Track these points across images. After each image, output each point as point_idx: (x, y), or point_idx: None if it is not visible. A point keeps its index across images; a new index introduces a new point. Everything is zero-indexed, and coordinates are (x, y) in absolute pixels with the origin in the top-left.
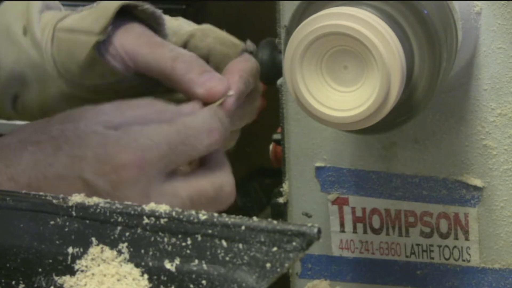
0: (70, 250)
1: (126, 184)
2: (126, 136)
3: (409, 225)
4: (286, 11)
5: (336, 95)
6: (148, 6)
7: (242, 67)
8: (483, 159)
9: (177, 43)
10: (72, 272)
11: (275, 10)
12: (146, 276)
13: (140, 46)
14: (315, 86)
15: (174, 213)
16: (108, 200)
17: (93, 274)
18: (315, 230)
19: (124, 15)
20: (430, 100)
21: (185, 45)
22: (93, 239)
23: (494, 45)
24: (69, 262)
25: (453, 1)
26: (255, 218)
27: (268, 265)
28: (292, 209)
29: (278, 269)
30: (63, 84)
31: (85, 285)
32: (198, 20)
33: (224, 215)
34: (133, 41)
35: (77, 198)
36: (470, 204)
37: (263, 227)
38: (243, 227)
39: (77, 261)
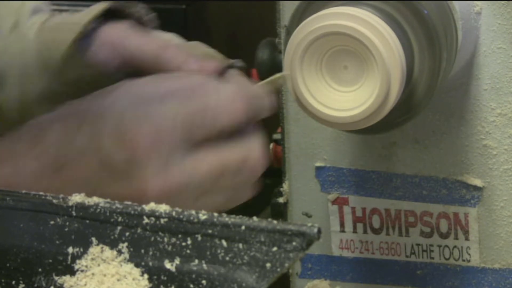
0: (70, 250)
1: (143, 153)
2: (144, 111)
3: (409, 225)
4: (286, 11)
5: (336, 95)
6: (137, 9)
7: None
8: (483, 159)
9: None
10: (72, 272)
11: (275, 10)
12: (146, 276)
13: (127, 36)
14: (315, 86)
15: (174, 213)
16: (108, 200)
17: (93, 274)
18: (315, 230)
19: (114, 18)
20: (430, 100)
21: None
22: (93, 239)
23: (494, 45)
24: (69, 262)
25: (453, 1)
26: (255, 218)
27: (268, 265)
28: (292, 209)
29: (278, 269)
30: (45, 81)
31: (85, 285)
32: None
33: (224, 215)
34: (120, 32)
35: (77, 198)
36: (470, 204)
37: (263, 227)
38: (243, 227)
39: (77, 261)
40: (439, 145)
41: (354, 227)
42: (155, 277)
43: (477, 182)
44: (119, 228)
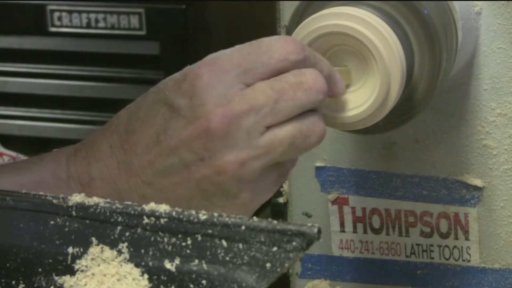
0: (70, 250)
1: (202, 90)
2: (203, 60)
3: (409, 225)
4: (286, 11)
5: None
6: None
7: None
8: (483, 159)
9: None
10: (72, 272)
11: (275, 10)
12: (146, 276)
13: None
14: None
15: (174, 213)
16: (108, 200)
17: (93, 274)
18: (315, 230)
19: None
20: (430, 100)
21: None
22: (93, 239)
23: (494, 45)
24: (69, 262)
25: (453, 1)
26: (255, 218)
27: (268, 265)
28: (292, 209)
29: (278, 269)
30: None
31: (85, 285)
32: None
33: (224, 215)
34: None
35: (77, 198)
36: (470, 204)
37: (263, 227)
38: (243, 227)
39: (77, 261)
40: (439, 145)
41: (354, 227)
42: (155, 277)
43: (477, 182)
44: (119, 228)
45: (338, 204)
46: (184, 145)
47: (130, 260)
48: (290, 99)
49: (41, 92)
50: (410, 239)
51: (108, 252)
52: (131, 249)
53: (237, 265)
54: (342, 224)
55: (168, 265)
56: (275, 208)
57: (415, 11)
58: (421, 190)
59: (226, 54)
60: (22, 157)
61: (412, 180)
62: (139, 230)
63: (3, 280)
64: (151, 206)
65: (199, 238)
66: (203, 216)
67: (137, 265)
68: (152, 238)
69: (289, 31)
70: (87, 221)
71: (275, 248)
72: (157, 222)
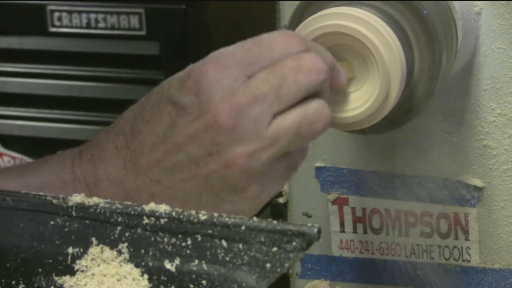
0: (70, 250)
1: (207, 86)
2: (206, 57)
3: (409, 225)
4: (286, 11)
5: (336, 96)
6: None
7: None
8: (483, 159)
9: None
10: (72, 272)
11: (275, 10)
12: (146, 276)
13: None
14: None
15: (174, 213)
16: (108, 200)
17: (93, 274)
18: (315, 230)
19: None
20: (430, 100)
21: None
22: (93, 239)
23: (494, 45)
24: (69, 262)
25: (453, 1)
26: (255, 218)
27: (268, 265)
28: (292, 209)
29: (278, 269)
30: None
31: (85, 285)
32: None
33: (224, 215)
34: None
35: (77, 198)
36: (470, 204)
37: (263, 227)
38: (243, 227)
39: (77, 261)
40: (439, 145)
41: (354, 227)
42: (155, 277)
43: (477, 182)
44: (119, 228)
45: (338, 204)
46: (192, 141)
47: (130, 260)
48: (292, 83)
49: (41, 92)
50: (410, 239)
51: (108, 252)
52: (131, 249)
53: (237, 265)
54: (342, 224)
55: (168, 265)
56: (275, 208)
57: (415, 11)
58: (421, 190)
59: (228, 51)
60: (23, 157)
61: (412, 180)
62: (139, 230)
63: (3, 280)
64: (151, 206)
65: (199, 238)
66: (203, 216)
67: (137, 265)
68: (152, 238)
69: None
70: (87, 221)
71: (275, 248)
72: (157, 222)
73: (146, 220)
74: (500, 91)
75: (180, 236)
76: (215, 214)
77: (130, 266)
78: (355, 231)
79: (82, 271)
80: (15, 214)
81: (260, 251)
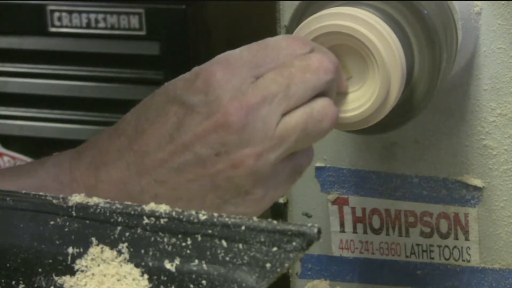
0: (70, 250)
1: (217, 85)
2: (214, 59)
3: (409, 225)
4: (286, 11)
5: (336, 96)
6: None
7: None
8: (483, 159)
9: None
10: (72, 272)
11: (275, 10)
12: (146, 276)
13: None
14: None
15: (174, 213)
16: (108, 200)
17: (93, 274)
18: (315, 230)
19: None
20: (430, 100)
21: None
22: (93, 239)
23: (494, 45)
24: (69, 262)
25: (453, 1)
26: (255, 218)
27: (268, 265)
28: (292, 209)
29: (278, 269)
30: None
31: (85, 285)
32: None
33: (224, 215)
34: None
35: (77, 198)
36: (470, 204)
37: (263, 227)
38: (243, 227)
39: (77, 261)
40: (439, 145)
41: (354, 227)
42: (155, 277)
43: (477, 182)
44: (119, 228)
45: (338, 204)
46: (199, 140)
47: (130, 260)
48: (300, 82)
49: (41, 92)
50: (410, 239)
51: (108, 252)
52: (131, 249)
53: (237, 265)
54: (342, 224)
55: (168, 265)
56: (275, 208)
57: (415, 11)
58: (421, 190)
59: (235, 53)
60: (23, 157)
61: (412, 180)
62: (139, 230)
63: (3, 280)
64: (151, 206)
65: (199, 238)
66: (203, 216)
67: (137, 265)
68: (152, 238)
69: (289, 31)
70: (87, 221)
71: (275, 248)
72: (157, 222)
73: (146, 220)
74: (500, 91)
75: (180, 236)
76: (215, 214)
77: (130, 266)
78: (355, 231)
79: (82, 271)
80: (15, 214)
81: (260, 251)
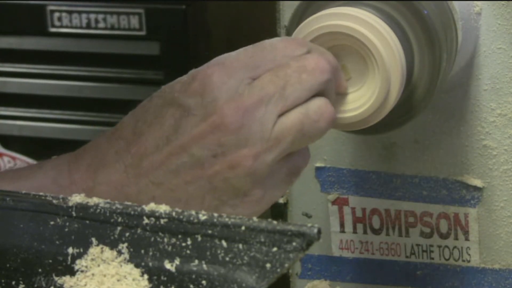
0: (70, 250)
1: (213, 87)
2: (210, 62)
3: (409, 225)
4: (286, 11)
5: (336, 96)
6: None
7: None
8: (483, 159)
9: None
10: (72, 272)
11: (275, 10)
12: (146, 276)
13: None
14: None
15: (174, 213)
16: (108, 200)
17: (93, 275)
18: (315, 230)
19: None
20: (430, 100)
21: None
22: (93, 239)
23: (494, 46)
24: (69, 262)
25: (453, 1)
26: (255, 218)
27: (268, 265)
28: (292, 209)
29: (278, 269)
30: None
31: (85, 285)
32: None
33: (224, 215)
34: None
35: (77, 198)
36: (470, 204)
37: (263, 227)
38: (243, 227)
39: (77, 261)
40: (439, 146)
41: (354, 228)
42: (155, 277)
43: (477, 182)
44: (119, 228)
45: (338, 204)
46: (196, 142)
47: (130, 260)
48: (296, 83)
49: (41, 93)
50: (410, 239)
51: (108, 253)
52: (131, 250)
53: (237, 266)
54: (342, 225)
55: (168, 265)
56: (275, 209)
57: (415, 11)
58: (421, 190)
59: (232, 55)
60: (23, 157)
61: (412, 180)
62: (139, 230)
63: (3, 280)
64: (151, 206)
65: (199, 238)
66: (203, 216)
67: (137, 266)
68: (152, 239)
69: (289, 31)
70: (87, 222)
71: (275, 249)
72: (157, 222)
73: (146, 220)
74: (500, 91)
75: (180, 236)
76: (215, 215)
77: (130, 266)
78: (355, 231)
79: (82, 271)
80: (15, 214)
81: (260, 251)
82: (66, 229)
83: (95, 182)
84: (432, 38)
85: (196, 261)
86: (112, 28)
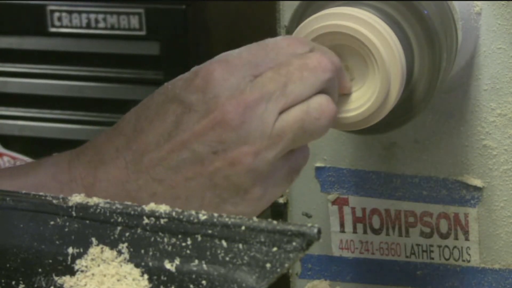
0: (70, 250)
1: (215, 84)
2: (213, 59)
3: (409, 225)
4: (286, 11)
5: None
6: None
7: None
8: (483, 159)
9: None
10: (72, 272)
11: (275, 10)
12: (146, 276)
13: None
14: None
15: (174, 213)
16: (108, 200)
17: (93, 274)
18: (315, 230)
19: None
20: (430, 100)
21: None
22: (93, 239)
23: (494, 46)
24: (69, 262)
25: (453, 1)
26: (255, 218)
27: (268, 265)
28: (292, 209)
29: (278, 269)
30: None
31: (85, 285)
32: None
33: (224, 215)
34: None
35: (77, 198)
36: (470, 204)
37: (263, 227)
38: (243, 227)
39: (77, 261)
40: (439, 146)
41: (354, 228)
42: (155, 277)
43: (477, 182)
44: (119, 228)
45: (338, 204)
46: (197, 138)
47: (130, 260)
48: (298, 80)
49: (41, 93)
50: (410, 239)
51: (108, 253)
52: (131, 250)
53: (237, 266)
54: (342, 225)
55: (168, 265)
56: (275, 209)
57: (415, 11)
58: (421, 190)
59: (235, 53)
60: (23, 157)
61: (412, 180)
62: (139, 230)
63: (3, 280)
64: (151, 206)
65: (199, 238)
66: (203, 216)
67: (137, 266)
68: (152, 239)
69: (289, 31)
70: (87, 222)
71: (275, 249)
72: (157, 222)
73: (146, 220)
74: (500, 91)
75: (180, 236)
76: (215, 214)
77: (130, 266)
78: (355, 231)
79: (82, 271)
80: (15, 214)
81: (260, 251)
82: (66, 229)
83: (95, 178)
84: (432, 38)
85: (196, 261)
86: (112, 28)
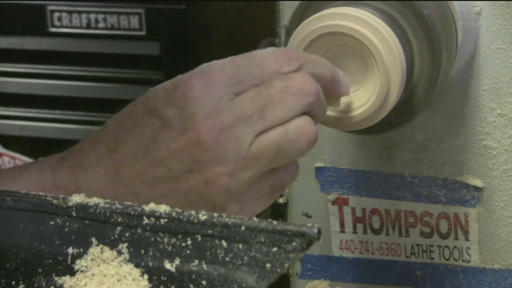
0: (70, 250)
1: (193, 101)
2: (195, 71)
3: (409, 225)
4: (286, 11)
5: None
6: None
7: None
8: (483, 159)
9: None
10: (72, 272)
11: (275, 10)
12: (146, 276)
13: None
14: None
15: (174, 214)
16: (108, 200)
17: (93, 275)
18: (315, 230)
19: None
20: (430, 100)
21: None
22: (93, 239)
23: (494, 46)
24: (69, 262)
25: (453, 1)
26: (255, 218)
27: (268, 265)
28: (292, 209)
29: (278, 269)
30: None
31: (85, 285)
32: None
33: (224, 215)
34: None
35: (77, 198)
36: (470, 204)
37: (263, 227)
38: (243, 227)
39: (77, 261)
40: (439, 146)
41: (354, 228)
42: (155, 277)
43: (477, 183)
44: (119, 228)
45: (338, 204)
46: (173, 156)
47: (130, 260)
48: (278, 104)
49: (41, 93)
50: (410, 239)
51: (108, 253)
52: (131, 250)
53: (237, 266)
54: (342, 225)
55: (168, 265)
56: (275, 209)
57: (415, 11)
58: (421, 190)
59: (218, 65)
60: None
61: (412, 180)
62: (139, 230)
63: (3, 280)
64: (151, 206)
65: (199, 238)
66: (203, 216)
67: (137, 266)
68: (152, 239)
69: (289, 31)
70: (87, 222)
71: (275, 249)
72: (157, 222)
73: (146, 220)
74: (500, 91)
75: (180, 236)
76: (215, 214)
77: (130, 266)
78: (355, 231)
79: (82, 271)
80: (15, 214)
81: (260, 251)
82: (66, 229)
83: (76, 187)
84: (432, 38)
85: (196, 261)
86: (112, 28)
